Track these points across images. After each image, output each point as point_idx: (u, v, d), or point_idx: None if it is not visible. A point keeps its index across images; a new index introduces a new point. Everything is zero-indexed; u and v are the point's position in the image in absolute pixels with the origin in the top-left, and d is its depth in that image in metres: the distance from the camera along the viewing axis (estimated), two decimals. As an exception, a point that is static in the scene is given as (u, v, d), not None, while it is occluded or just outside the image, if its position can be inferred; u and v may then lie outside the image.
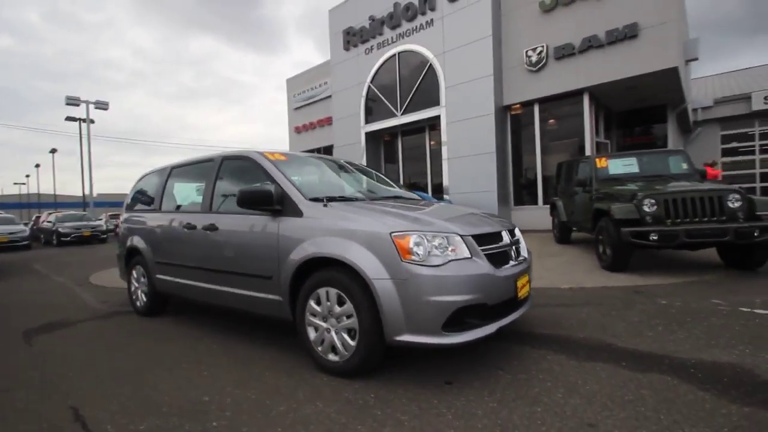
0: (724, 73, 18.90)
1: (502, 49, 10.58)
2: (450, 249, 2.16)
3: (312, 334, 2.42)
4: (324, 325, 2.35)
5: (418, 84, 12.03)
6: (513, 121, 11.01)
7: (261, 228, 2.70)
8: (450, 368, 2.34)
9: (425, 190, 12.40)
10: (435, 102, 11.60)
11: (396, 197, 3.21)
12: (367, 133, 13.60)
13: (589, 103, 9.62)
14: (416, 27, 11.86)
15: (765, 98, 13.06)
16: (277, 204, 2.57)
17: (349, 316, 2.23)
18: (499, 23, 10.53)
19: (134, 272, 4.12)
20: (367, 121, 13.54)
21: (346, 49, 13.85)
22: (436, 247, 2.14)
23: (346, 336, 2.26)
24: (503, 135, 10.84)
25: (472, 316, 2.13)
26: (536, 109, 10.43)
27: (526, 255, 2.74)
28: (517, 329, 2.93)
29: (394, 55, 12.50)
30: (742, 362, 2.24)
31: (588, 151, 9.50)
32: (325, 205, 2.49)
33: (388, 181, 3.89)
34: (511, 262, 2.48)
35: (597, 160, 6.17)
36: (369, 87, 13.30)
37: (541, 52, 9.82)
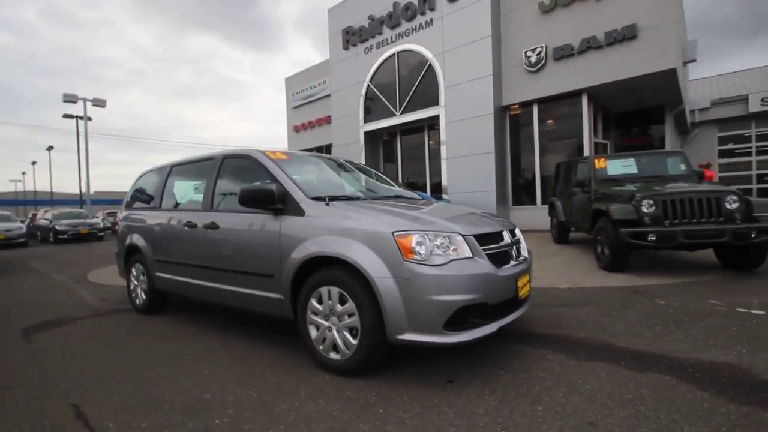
0: (722, 74, 19.00)
1: (502, 50, 10.60)
2: (452, 248, 2.17)
3: (313, 332, 2.42)
4: (325, 323, 2.36)
5: (418, 84, 12.04)
6: (512, 122, 11.04)
7: (262, 227, 2.70)
8: (451, 367, 2.35)
9: (424, 190, 12.42)
10: (434, 102, 11.62)
11: (397, 197, 3.22)
12: (366, 133, 13.61)
13: (588, 103, 9.66)
14: (416, 27, 11.87)
15: (762, 100, 13.15)
16: (279, 203, 2.58)
17: (350, 315, 2.24)
18: (498, 23, 10.55)
19: (133, 270, 4.12)
20: (366, 121, 13.54)
21: (346, 48, 13.84)
22: (438, 247, 2.15)
23: (347, 335, 2.27)
24: (502, 135, 10.87)
25: (473, 315, 2.14)
26: (535, 109, 10.47)
27: (526, 255, 2.76)
28: (517, 329, 2.94)
29: (394, 54, 12.50)
30: (740, 362, 2.26)
31: (586, 152, 9.54)
32: (327, 204, 2.49)
33: (388, 180, 3.90)
34: (512, 262, 2.49)
35: (596, 160, 6.20)
36: (368, 86, 13.30)
37: (540, 52, 9.85)
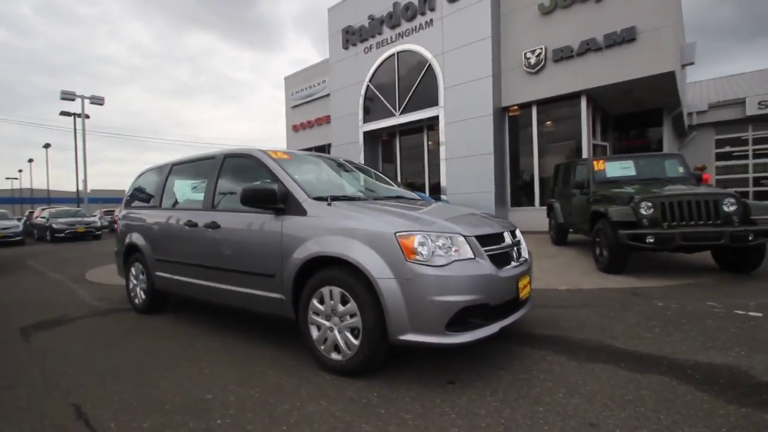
0: (719, 77, 19.10)
1: (501, 51, 10.63)
2: (453, 249, 2.18)
3: (315, 332, 2.43)
4: (327, 323, 2.36)
5: (417, 84, 12.05)
6: (511, 123, 11.07)
7: (264, 226, 2.70)
8: (451, 368, 2.36)
9: (422, 190, 12.43)
10: (434, 102, 11.63)
11: (398, 197, 3.23)
12: (365, 133, 13.61)
13: (587, 105, 9.69)
14: (416, 27, 11.88)
15: (759, 103, 13.23)
16: (281, 202, 2.58)
17: (352, 315, 2.24)
18: (498, 25, 10.57)
19: (133, 269, 4.10)
20: (365, 121, 13.55)
21: (345, 48, 13.84)
22: (439, 248, 2.16)
23: (349, 335, 2.27)
24: (501, 136, 10.90)
25: (474, 316, 2.15)
26: (534, 110, 10.50)
27: (526, 256, 2.77)
28: (517, 330, 2.95)
29: (393, 54, 12.51)
30: (738, 364, 2.28)
31: (585, 154, 9.58)
32: (329, 204, 2.49)
33: (388, 180, 3.91)
34: (513, 263, 2.50)
35: (595, 162, 6.22)
36: (368, 86, 13.30)
37: (539, 54, 9.88)
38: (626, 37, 8.58)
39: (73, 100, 21.59)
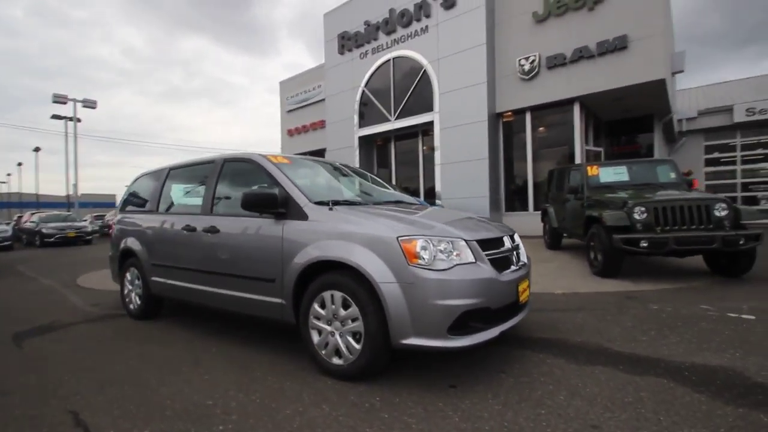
0: (708, 85, 19.50)
1: (496, 58, 10.76)
2: (455, 253, 2.20)
3: (315, 337, 2.42)
4: (328, 328, 2.36)
5: (412, 89, 12.14)
6: (505, 128, 11.18)
7: (264, 231, 2.70)
8: (452, 371, 2.37)
9: (417, 195, 12.48)
10: (428, 108, 11.72)
11: (398, 202, 3.24)
12: (360, 137, 13.65)
13: (580, 112, 9.84)
14: (411, 33, 11.99)
15: (747, 110, 13.51)
16: (282, 207, 2.58)
17: (354, 320, 2.25)
18: (492, 32, 10.72)
19: (128, 274, 4.06)
20: (360, 125, 13.59)
21: (341, 53, 13.91)
22: (441, 252, 2.17)
23: (351, 339, 2.27)
24: (495, 141, 11.00)
25: (476, 319, 2.17)
26: (528, 116, 10.62)
27: (525, 260, 2.80)
28: (516, 333, 2.97)
29: (389, 60, 12.60)
30: (733, 365, 2.32)
31: (578, 159, 9.70)
32: (330, 209, 2.50)
33: (385, 184, 3.93)
34: (512, 267, 2.53)
35: (588, 168, 6.31)
36: (363, 91, 13.37)
37: (533, 61, 10.02)
38: (618, 45, 8.75)
39: (65, 103, 21.39)
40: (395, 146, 13.78)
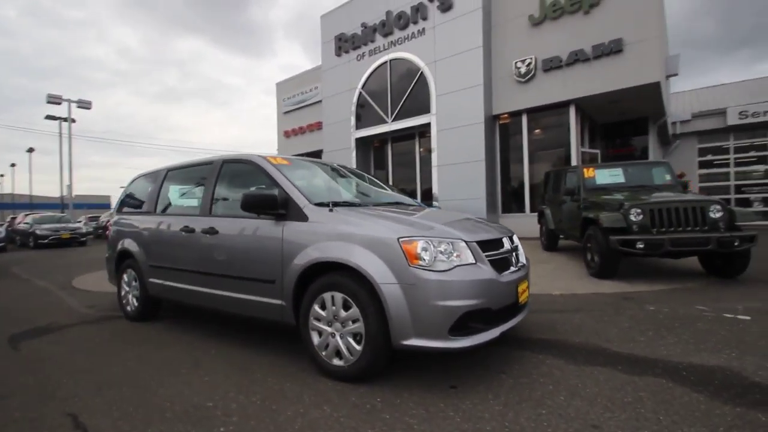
0: (702, 88, 19.70)
1: (492, 60, 10.82)
2: (455, 255, 2.21)
3: (316, 338, 2.42)
4: (329, 329, 2.36)
5: (409, 91, 12.18)
6: (501, 130, 11.24)
7: (264, 232, 2.69)
8: (453, 372, 2.38)
9: (414, 197, 12.50)
10: (425, 110, 11.75)
11: (397, 203, 3.25)
12: (357, 139, 13.66)
13: (575, 114, 9.91)
14: (408, 35, 12.03)
15: (740, 113, 13.66)
16: (282, 208, 2.58)
17: (354, 321, 2.25)
18: (489, 34, 10.78)
19: (125, 276, 4.04)
20: (357, 127, 13.60)
21: (338, 55, 13.92)
22: (441, 253, 2.18)
23: (351, 340, 2.27)
24: (492, 143, 11.05)
25: (476, 320, 2.18)
26: (524, 119, 10.68)
27: (524, 261, 2.81)
28: (515, 334, 2.98)
29: (386, 62, 12.63)
30: (731, 365, 2.34)
31: (574, 161, 9.76)
32: (330, 210, 2.51)
33: (383, 185, 3.94)
34: (512, 268, 2.54)
35: (585, 170, 6.35)
36: (360, 93, 13.39)
37: (529, 63, 10.09)
38: (613, 49, 8.82)
39: (59, 103, 21.23)
40: (392, 148, 13.80)
